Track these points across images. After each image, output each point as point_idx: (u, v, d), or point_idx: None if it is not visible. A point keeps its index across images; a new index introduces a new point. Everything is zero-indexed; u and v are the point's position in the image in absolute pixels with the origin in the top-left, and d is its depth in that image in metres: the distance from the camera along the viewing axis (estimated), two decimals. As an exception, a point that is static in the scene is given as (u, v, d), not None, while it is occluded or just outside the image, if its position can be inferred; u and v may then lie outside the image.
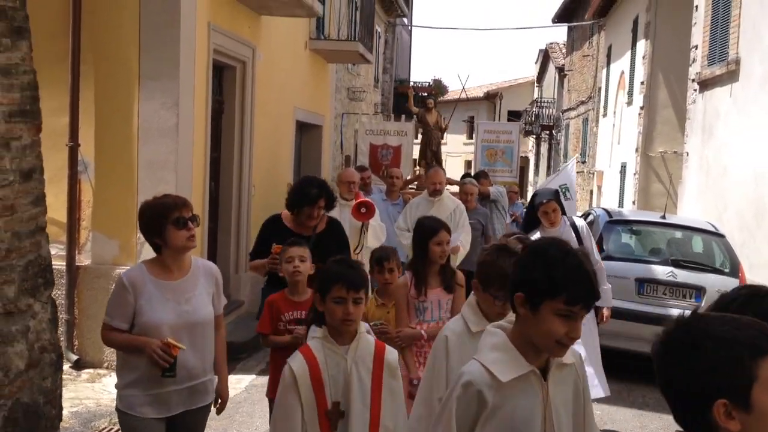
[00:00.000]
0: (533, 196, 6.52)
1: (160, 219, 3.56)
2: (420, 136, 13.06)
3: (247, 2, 9.16)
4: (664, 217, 8.89)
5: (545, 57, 39.50)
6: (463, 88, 15.24)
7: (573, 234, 6.26)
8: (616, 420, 6.90)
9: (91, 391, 7.24)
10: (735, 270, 8.22)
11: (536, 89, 41.92)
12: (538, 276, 2.26)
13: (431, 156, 12.06)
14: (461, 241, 7.54)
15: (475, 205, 8.65)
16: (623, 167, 17.43)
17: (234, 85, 9.48)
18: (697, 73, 11.96)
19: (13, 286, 3.95)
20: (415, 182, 11.41)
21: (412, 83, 27.99)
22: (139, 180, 7.55)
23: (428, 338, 4.47)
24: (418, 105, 13.14)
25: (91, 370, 7.60)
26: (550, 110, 34.77)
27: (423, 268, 4.57)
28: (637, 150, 16.30)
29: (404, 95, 26.30)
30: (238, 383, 7.53)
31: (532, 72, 46.58)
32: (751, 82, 9.93)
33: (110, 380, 7.44)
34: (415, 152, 13.19)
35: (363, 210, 7.10)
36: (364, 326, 3.83)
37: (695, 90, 12.12)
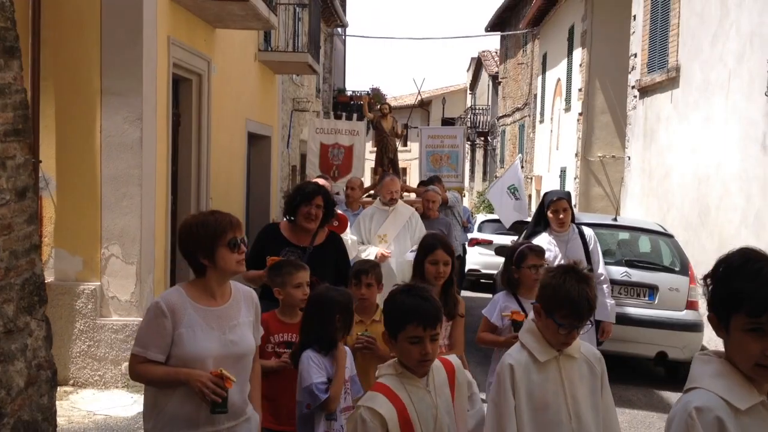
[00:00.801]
0: (544, 196, 6.14)
1: (214, 239, 3.15)
2: (375, 142, 12.76)
3: (203, 15, 9.20)
4: (615, 219, 9.23)
5: (478, 65, 40.18)
6: (419, 92, 15.40)
7: (580, 242, 5.93)
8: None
9: (60, 409, 7.17)
10: (685, 268, 8.59)
11: (469, 96, 42.59)
12: (719, 289, 2.03)
13: (388, 163, 11.84)
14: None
15: (437, 215, 8.43)
16: (563, 171, 17.90)
17: (190, 98, 9.49)
18: (637, 80, 12.42)
19: (12, 304, 3.96)
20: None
21: (350, 92, 28.21)
22: (103, 195, 7.52)
23: None
24: (374, 111, 12.93)
25: (58, 388, 7.52)
26: (485, 117, 35.39)
27: None
28: (576, 155, 16.78)
29: (343, 104, 26.63)
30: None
31: (465, 80, 47.35)
32: (692, 88, 10.39)
33: (77, 397, 7.39)
34: (369, 154, 13.12)
35: (335, 223, 6.97)
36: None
37: (635, 96, 12.58)
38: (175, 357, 3.09)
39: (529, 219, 11.01)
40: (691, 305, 8.42)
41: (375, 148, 12.01)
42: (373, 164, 12.75)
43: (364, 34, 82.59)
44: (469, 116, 36.71)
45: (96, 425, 6.43)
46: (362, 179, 9.84)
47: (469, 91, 43.10)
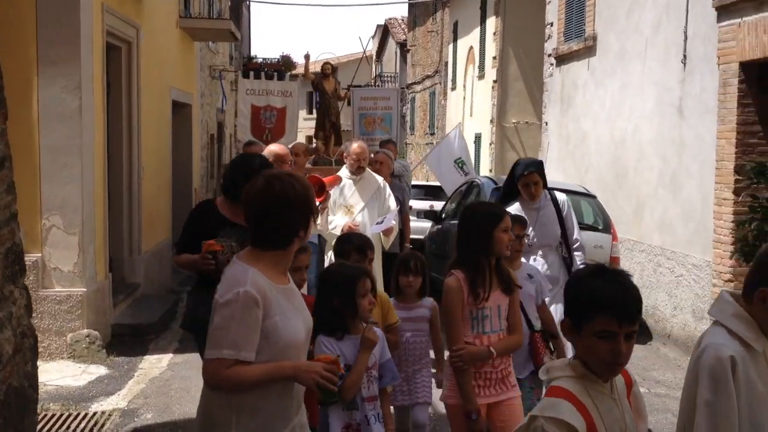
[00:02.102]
0: (514, 166, 5.85)
1: (310, 208, 2.84)
2: (316, 105, 12.14)
3: (132, -18, 9.08)
4: (542, 182, 9.65)
5: (384, 32, 40.35)
6: (364, 51, 15.17)
7: (553, 208, 5.73)
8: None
9: None
10: (607, 227, 9.11)
11: (375, 64, 42.75)
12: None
13: (330, 127, 11.17)
14: (394, 221, 6.83)
15: (390, 180, 7.88)
16: (477, 138, 18.38)
17: (120, 66, 9.36)
18: (554, 49, 12.89)
19: (-3, 273, 3.99)
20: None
21: (261, 60, 27.91)
22: (42, 165, 7.42)
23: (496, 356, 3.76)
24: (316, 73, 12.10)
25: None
26: (394, 84, 35.68)
27: (481, 265, 3.72)
28: (492, 121, 17.28)
29: (254, 71, 26.34)
30: (159, 362, 7.64)
31: (370, 47, 47.41)
32: (608, 56, 10.90)
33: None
34: (305, 116, 12.83)
35: (315, 189, 6.80)
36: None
37: (552, 64, 13.06)
38: (266, 350, 2.68)
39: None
40: (614, 260, 8.95)
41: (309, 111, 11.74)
42: (312, 128, 12.51)
43: (271, 1, 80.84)
44: (377, 84, 36.91)
45: (49, 396, 6.44)
46: (307, 144, 9.51)
47: (375, 59, 43.26)
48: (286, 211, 2.74)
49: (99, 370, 7.30)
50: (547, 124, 13.27)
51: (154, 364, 7.62)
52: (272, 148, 6.49)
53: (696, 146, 8.59)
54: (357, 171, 7.05)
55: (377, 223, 6.74)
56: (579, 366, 2.20)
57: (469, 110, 19.76)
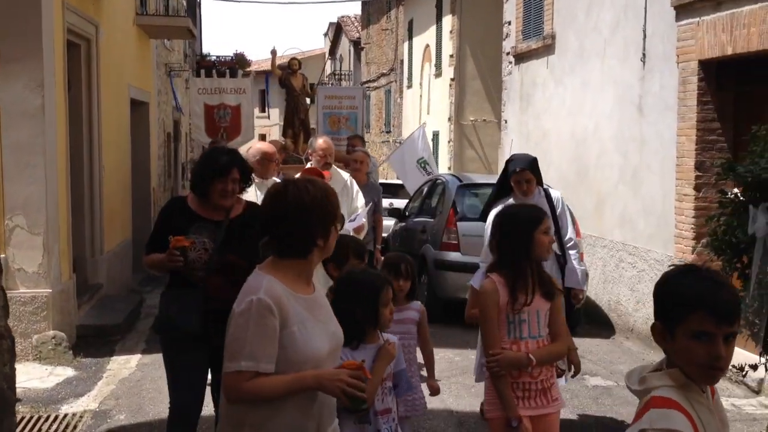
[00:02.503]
0: (507, 162, 5.75)
1: (332, 217, 2.69)
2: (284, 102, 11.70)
3: (92, -22, 8.94)
4: (506, 179, 9.78)
5: (337, 30, 40.30)
6: (332, 42, 15.07)
7: (547, 206, 5.54)
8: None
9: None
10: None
11: (329, 62, 42.67)
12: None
13: (299, 125, 10.85)
14: (364, 219, 6.69)
15: (366, 179, 7.76)
16: (435, 135, 18.48)
17: (80, 63, 9.22)
18: (512, 47, 13.04)
19: (-25, 274, 3.92)
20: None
21: (214, 57, 27.68)
22: (4, 165, 7.29)
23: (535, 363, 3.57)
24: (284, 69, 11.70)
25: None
26: (348, 82, 35.66)
27: (522, 268, 3.60)
28: (450, 119, 17.39)
29: (207, 68, 26.10)
30: (127, 363, 7.57)
31: (321, 45, 47.28)
32: (567, 55, 11.06)
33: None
34: (257, 114, 12.63)
35: None
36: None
37: (510, 62, 13.21)
38: (283, 362, 2.52)
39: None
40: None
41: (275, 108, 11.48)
42: (265, 126, 12.23)
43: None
44: (331, 82, 36.85)
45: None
46: (280, 143, 9.27)
47: (328, 57, 43.18)
48: (302, 217, 2.59)
49: (66, 372, 7.20)
50: (506, 121, 13.42)
51: (123, 365, 7.54)
52: (260, 146, 6.22)
53: (656, 143, 8.77)
54: (323, 167, 6.74)
55: (350, 221, 6.53)
56: (679, 374, 2.01)
57: (426, 108, 19.86)
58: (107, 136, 9.97)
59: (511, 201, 5.47)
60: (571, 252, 5.79)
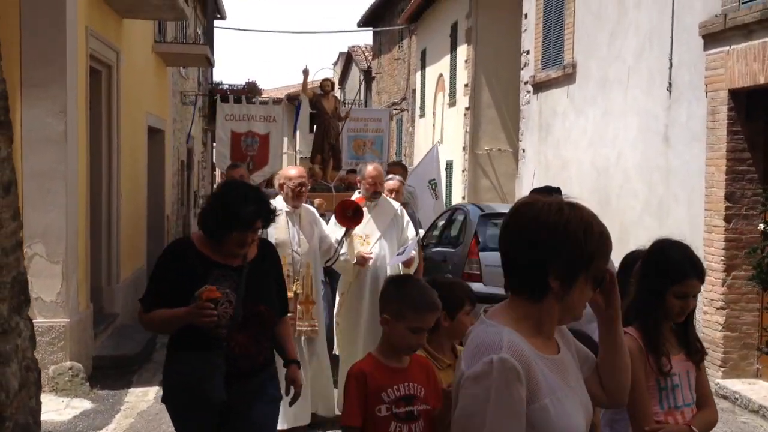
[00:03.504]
0: (533, 190, 5.24)
1: (592, 256, 1.97)
2: (314, 127, 11.00)
3: (115, 5, 8.91)
4: (528, 208, 9.65)
5: (348, 59, 40.43)
6: (342, 72, 14.50)
7: None
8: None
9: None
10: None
11: (339, 91, 42.81)
12: None
13: (329, 149, 10.28)
14: (414, 251, 6.29)
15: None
16: (449, 165, 18.39)
17: (100, 90, 9.17)
18: (531, 76, 12.97)
19: (5, 303, 3.79)
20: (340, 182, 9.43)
21: (226, 86, 27.77)
22: (25, 191, 7.17)
23: None
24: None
25: None
26: (358, 112, 35.67)
27: (656, 321, 3.00)
28: (464, 148, 17.30)
29: (220, 97, 26.12)
30: (145, 395, 7.40)
31: (331, 74, 47.46)
32: (589, 84, 10.97)
33: None
34: (291, 144, 12.09)
35: (350, 214, 5.89)
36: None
37: (529, 92, 13.13)
38: None
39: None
40: None
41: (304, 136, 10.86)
42: (301, 153, 11.45)
43: (236, 27, 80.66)
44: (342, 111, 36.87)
45: (34, 431, 6.16)
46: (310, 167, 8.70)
47: (339, 86, 43.31)
48: (542, 247, 1.93)
49: (83, 404, 7.04)
50: (524, 151, 13.30)
51: (141, 397, 7.37)
52: (292, 173, 5.90)
53: (683, 173, 8.64)
54: (373, 196, 6.38)
55: (398, 254, 6.19)
56: None
57: (440, 137, 19.79)
58: (125, 164, 9.89)
59: None
60: None
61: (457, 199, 17.76)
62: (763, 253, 4.91)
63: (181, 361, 3.50)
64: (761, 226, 7.70)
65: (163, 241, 13.71)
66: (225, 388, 3.39)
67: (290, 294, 5.20)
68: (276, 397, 3.70)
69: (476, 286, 8.90)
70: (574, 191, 11.06)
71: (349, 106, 12.40)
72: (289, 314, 4.87)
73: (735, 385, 7.59)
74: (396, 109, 26.85)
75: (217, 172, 35.38)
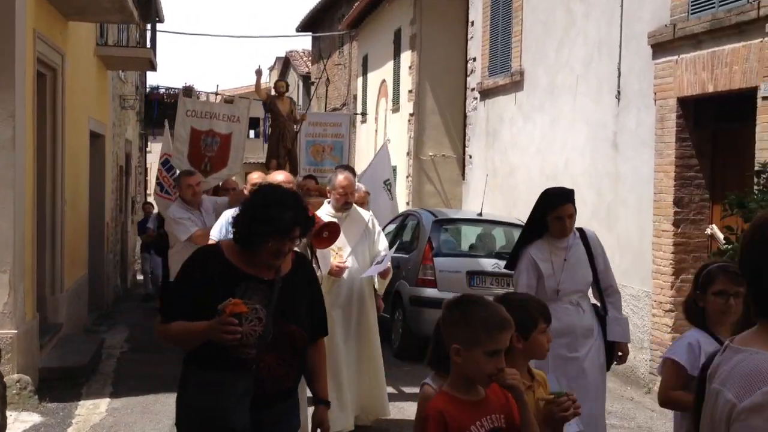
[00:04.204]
0: (544, 197, 4.97)
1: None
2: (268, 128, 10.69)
3: (62, 7, 8.66)
4: (480, 214, 9.75)
5: (285, 64, 40.20)
6: (280, 76, 13.88)
7: (582, 247, 4.89)
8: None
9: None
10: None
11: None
12: None
13: (285, 154, 9.92)
14: (389, 263, 6.15)
15: None
16: (393, 170, 18.38)
17: (45, 94, 8.89)
18: (478, 83, 13.09)
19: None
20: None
21: (163, 90, 27.37)
22: (-29, 198, 6.92)
23: None
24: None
25: None
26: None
27: None
28: (408, 154, 17.34)
29: (156, 102, 25.72)
30: (96, 408, 7.21)
31: (266, 78, 47.04)
32: (537, 91, 11.13)
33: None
34: (253, 146, 11.37)
35: (326, 234, 5.46)
36: None
37: (476, 98, 13.25)
38: None
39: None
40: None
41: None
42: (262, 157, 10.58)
43: (175, 31, 79.39)
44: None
45: (-18, 447, 5.93)
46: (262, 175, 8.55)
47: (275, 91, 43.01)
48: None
49: (32, 418, 6.80)
50: (471, 157, 13.42)
51: (92, 410, 7.17)
52: (281, 178, 5.53)
53: (632, 179, 8.82)
54: (343, 207, 6.08)
55: (377, 263, 5.98)
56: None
57: (382, 143, 19.80)
58: (69, 169, 9.62)
59: (541, 243, 4.80)
60: (611, 300, 5.02)
61: (401, 205, 17.79)
62: (723, 258, 5.02)
63: (203, 383, 3.13)
64: (708, 231, 7.92)
65: (103, 249, 13.39)
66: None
67: None
68: (296, 427, 3.44)
69: (431, 292, 9.00)
70: (522, 197, 11.21)
71: (306, 108, 12.06)
72: None
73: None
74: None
75: (151, 178, 34.90)
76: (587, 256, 4.85)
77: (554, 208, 4.76)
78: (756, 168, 5.20)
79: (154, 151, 32.75)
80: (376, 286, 6.22)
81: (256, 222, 3.13)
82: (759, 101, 6.87)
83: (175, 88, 28.67)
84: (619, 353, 4.95)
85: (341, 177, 6.09)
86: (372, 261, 6.09)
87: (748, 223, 4.90)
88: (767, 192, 4.80)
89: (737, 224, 5.12)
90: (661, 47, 8.25)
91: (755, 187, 5.16)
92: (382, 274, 6.01)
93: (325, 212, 6.09)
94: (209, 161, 9.81)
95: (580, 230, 4.98)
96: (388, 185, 10.26)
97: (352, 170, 7.77)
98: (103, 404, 7.31)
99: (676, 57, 8.01)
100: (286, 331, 3.14)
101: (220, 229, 6.34)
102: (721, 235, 6.79)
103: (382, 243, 6.23)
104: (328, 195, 6.32)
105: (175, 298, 3.25)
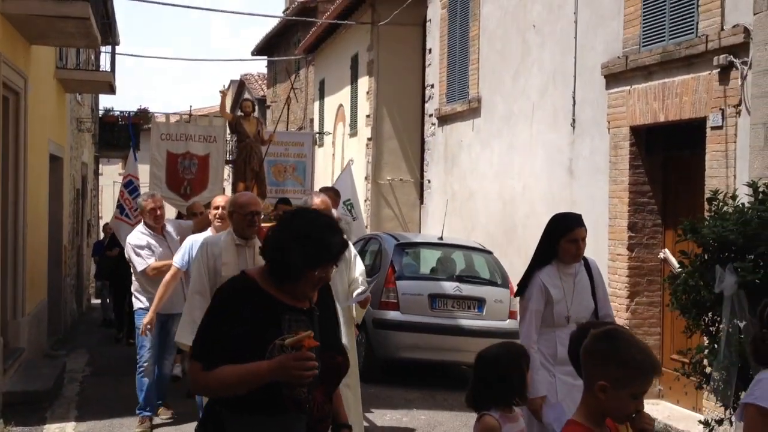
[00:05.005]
0: (555, 221, 4.90)
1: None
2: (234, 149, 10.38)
3: (25, 31, 8.69)
4: (441, 238, 9.95)
5: (240, 87, 40.22)
6: (293, 88, 13.65)
7: (586, 274, 4.87)
8: (441, 422, 7.67)
9: None
10: (505, 282, 9.47)
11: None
12: None
13: (252, 177, 9.68)
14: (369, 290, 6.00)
15: None
16: (355, 191, 18.55)
17: (8, 117, 8.89)
18: (436, 109, 13.37)
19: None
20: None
21: (118, 113, 27.17)
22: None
23: None
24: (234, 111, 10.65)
25: None
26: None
27: None
28: (366, 178, 17.55)
29: (110, 124, 25.53)
30: (63, 431, 7.17)
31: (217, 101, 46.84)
32: (494, 118, 11.43)
33: None
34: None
35: None
36: None
37: (434, 124, 13.52)
38: None
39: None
40: (513, 315, 9.28)
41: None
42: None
43: (132, 53, 78.82)
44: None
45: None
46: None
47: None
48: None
49: (-3, 442, 6.78)
50: (429, 181, 13.66)
51: (56, 435, 7.16)
52: (315, 201, 5.45)
53: (587, 205, 9.09)
54: None
55: (359, 293, 5.84)
56: None
57: (339, 167, 19.97)
58: (31, 193, 9.60)
59: (551, 269, 4.74)
60: None
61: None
62: (677, 281, 5.28)
63: (253, 430, 2.81)
64: (661, 255, 8.23)
65: (61, 272, 13.30)
66: None
67: None
68: None
69: (393, 315, 9.14)
70: (481, 221, 11.46)
71: (274, 128, 11.85)
72: None
73: (640, 405, 8.03)
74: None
75: (102, 200, 34.45)
76: (590, 285, 4.84)
77: (570, 230, 4.73)
78: (707, 195, 5.47)
79: (106, 173, 32.58)
80: (354, 314, 6.10)
81: (307, 248, 2.84)
82: (708, 131, 7.22)
83: (130, 112, 28.59)
84: None
85: (318, 200, 5.78)
86: (349, 284, 6.01)
87: (701, 247, 5.19)
88: (718, 218, 5.06)
89: (689, 249, 5.38)
90: (614, 78, 8.59)
91: (707, 214, 5.44)
92: (362, 303, 5.94)
93: None
94: (188, 184, 9.66)
95: (584, 258, 4.94)
96: (349, 206, 10.28)
97: (335, 191, 7.83)
98: (68, 428, 7.30)
99: (628, 87, 8.35)
100: (333, 363, 2.93)
101: (182, 255, 6.41)
102: (674, 259, 7.07)
103: (359, 267, 6.07)
104: None
105: (215, 340, 2.81)
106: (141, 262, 7.17)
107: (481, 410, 3.33)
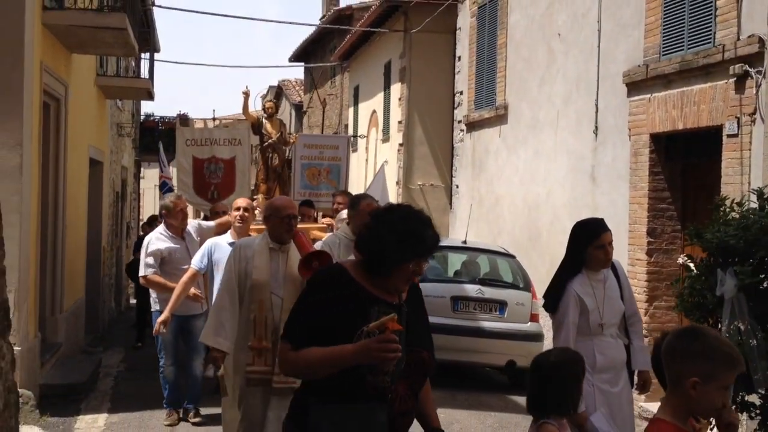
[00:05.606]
0: (581, 228, 4.92)
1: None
2: (257, 151, 10.06)
3: (66, 41, 9.10)
4: (465, 242, 10.16)
5: (278, 93, 40.75)
6: (318, 96, 13.42)
7: (614, 278, 4.88)
8: (458, 419, 7.88)
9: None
10: (527, 285, 9.64)
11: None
12: None
13: (275, 178, 9.76)
14: None
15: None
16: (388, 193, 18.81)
17: (49, 123, 9.31)
18: (464, 116, 13.57)
19: (-8, 328, 4.01)
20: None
21: (158, 118, 27.78)
22: (-21, 223, 7.29)
23: None
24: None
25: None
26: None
27: None
28: (398, 183, 17.80)
29: (150, 129, 26.11)
30: (95, 422, 7.54)
31: (258, 107, 47.60)
32: (520, 124, 11.60)
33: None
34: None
35: (315, 264, 4.93)
36: None
37: (462, 130, 13.73)
38: None
39: None
40: (534, 318, 9.47)
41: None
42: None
43: (171, 60, 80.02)
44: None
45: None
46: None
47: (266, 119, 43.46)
48: None
49: (34, 431, 7.13)
50: (458, 187, 13.86)
51: (90, 423, 7.50)
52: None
53: (609, 210, 9.23)
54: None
55: None
56: None
57: (372, 172, 20.24)
58: (70, 195, 10.02)
59: (582, 277, 4.72)
60: (635, 328, 5.01)
61: (390, 232, 18.17)
62: (684, 284, 5.44)
63: (336, 418, 2.84)
64: (680, 260, 8.34)
65: (100, 272, 13.74)
66: None
67: (267, 344, 4.79)
68: None
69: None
70: (507, 226, 11.63)
71: (296, 132, 11.93)
72: (266, 368, 4.69)
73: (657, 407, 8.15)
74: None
75: (143, 204, 35.16)
76: (617, 285, 4.87)
77: (597, 236, 4.74)
78: (717, 202, 5.62)
79: (147, 177, 33.25)
80: None
81: (403, 242, 2.90)
82: (724, 138, 7.34)
83: (170, 117, 29.19)
84: (641, 382, 4.96)
85: (364, 202, 5.78)
86: None
87: (706, 252, 5.34)
88: (722, 224, 5.21)
89: (695, 253, 5.53)
90: (634, 86, 8.73)
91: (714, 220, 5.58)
92: None
93: (344, 235, 5.86)
94: (216, 189, 9.69)
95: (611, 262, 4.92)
96: None
97: (348, 195, 7.84)
98: (101, 419, 7.64)
99: (648, 95, 8.49)
100: (419, 357, 2.97)
101: (201, 257, 6.48)
102: (692, 265, 7.21)
103: None
104: (349, 219, 5.99)
105: (304, 322, 2.95)
106: (143, 268, 7.33)
107: (541, 418, 3.32)
